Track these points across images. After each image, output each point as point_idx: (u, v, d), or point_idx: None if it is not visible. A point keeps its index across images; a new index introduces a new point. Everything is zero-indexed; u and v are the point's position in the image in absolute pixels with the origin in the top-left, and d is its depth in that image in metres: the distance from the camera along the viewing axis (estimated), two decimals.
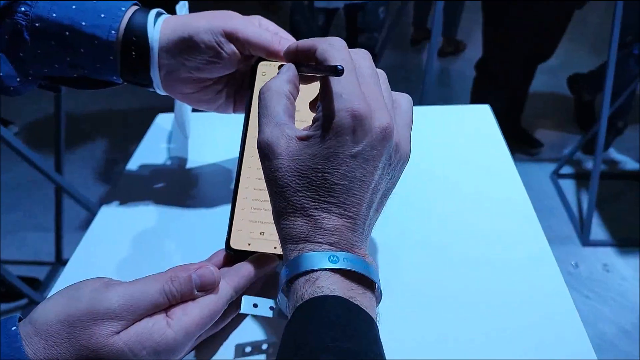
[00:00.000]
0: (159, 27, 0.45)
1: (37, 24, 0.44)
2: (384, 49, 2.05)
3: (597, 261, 1.77)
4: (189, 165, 0.59)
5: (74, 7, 0.44)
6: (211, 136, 0.63)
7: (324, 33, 2.02)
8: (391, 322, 0.39)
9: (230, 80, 0.49)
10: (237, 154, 0.45)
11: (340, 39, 0.35)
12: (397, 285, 0.44)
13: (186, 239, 0.50)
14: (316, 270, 0.30)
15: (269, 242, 0.43)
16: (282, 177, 0.32)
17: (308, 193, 0.32)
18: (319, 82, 0.34)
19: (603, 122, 1.66)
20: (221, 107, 0.50)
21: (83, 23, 0.44)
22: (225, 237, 0.43)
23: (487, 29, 2.03)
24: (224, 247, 0.43)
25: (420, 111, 0.68)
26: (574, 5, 1.91)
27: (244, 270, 0.39)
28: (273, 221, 0.42)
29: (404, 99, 0.37)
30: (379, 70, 0.36)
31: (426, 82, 1.68)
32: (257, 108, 0.35)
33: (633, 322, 1.54)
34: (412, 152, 0.36)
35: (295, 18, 2.01)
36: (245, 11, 0.48)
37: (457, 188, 0.55)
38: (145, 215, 0.52)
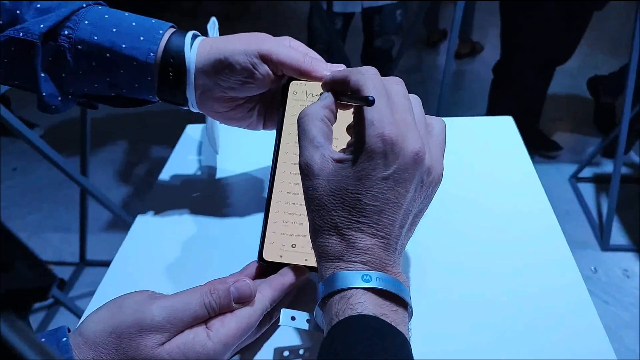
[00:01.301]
0: (196, 49, 0.47)
1: (79, 47, 0.46)
2: (402, 53, 2.05)
3: (616, 266, 1.75)
4: (219, 176, 0.61)
5: (114, 30, 0.46)
6: (241, 150, 0.65)
7: (342, 36, 2.04)
8: (418, 325, 0.41)
9: (261, 99, 0.51)
10: (266, 166, 0.47)
11: (373, 68, 0.37)
12: (423, 291, 0.45)
13: (219, 248, 0.52)
14: (350, 289, 0.32)
15: (300, 255, 0.44)
16: (319, 197, 0.34)
17: (342, 213, 0.34)
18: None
19: (624, 125, 1.65)
20: (252, 124, 0.52)
21: (123, 45, 0.46)
22: (258, 248, 0.45)
23: (505, 32, 2.03)
24: (256, 258, 0.45)
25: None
26: (594, 7, 1.89)
27: (278, 282, 0.41)
28: (304, 234, 0.44)
29: (437, 122, 0.39)
30: (413, 96, 0.38)
31: (444, 86, 1.69)
32: (297, 131, 0.37)
33: None
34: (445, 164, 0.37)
35: (313, 22, 2.02)
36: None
37: (480, 201, 0.56)
38: (179, 225, 0.54)
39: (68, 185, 1.59)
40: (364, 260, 0.33)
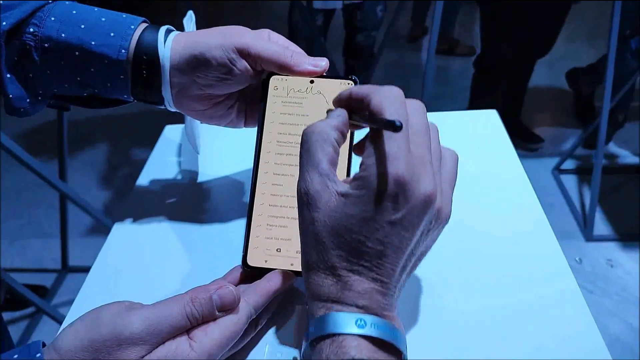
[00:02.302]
0: (170, 45, 0.45)
1: (46, 44, 0.44)
2: (383, 48, 2.05)
3: (600, 256, 1.77)
4: (200, 179, 0.59)
5: (82, 26, 0.44)
6: (222, 149, 0.62)
7: (323, 33, 2.02)
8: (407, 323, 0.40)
9: (241, 96, 0.49)
10: (248, 166, 0.45)
11: (397, 88, 0.33)
12: (408, 283, 0.44)
13: (201, 254, 0.50)
14: (342, 334, 0.30)
15: (286, 259, 0.43)
16: (317, 232, 0.32)
17: (341, 253, 0.31)
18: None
19: (604, 116, 1.66)
20: (232, 122, 0.50)
21: (92, 42, 0.44)
22: (242, 254, 0.43)
23: (484, 25, 2.04)
24: (240, 263, 0.43)
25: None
26: None
27: (263, 288, 0.39)
28: (289, 237, 0.43)
29: (449, 155, 0.36)
30: (432, 125, 0.34)
31: (426, 81, 1.68)
32: (300, 149, 0.34)
33: (637, 316, 1.55)
34: None
35: (293, 19, 2.01)
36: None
37: (467, 194, 0.55)
38: (159, 231, 0.52)
39: (49, 189, 1.55)
40: (360, 304, 0.31)
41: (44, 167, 1.39)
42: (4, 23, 0.42)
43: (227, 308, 0.36)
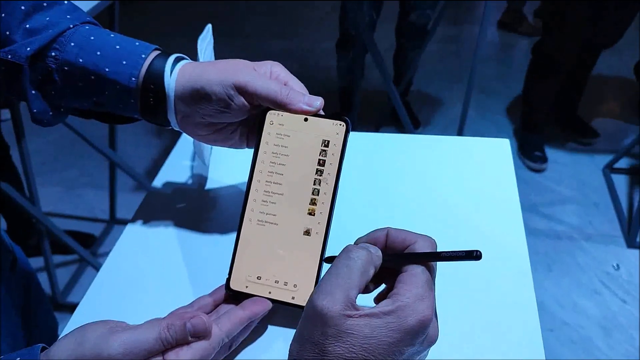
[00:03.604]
0: (175, 76, 0.47)
1: (65, 68, 0.47)
2: (436, 27, 1.98)
3: None
4: (210, 186, 0.63)
5: (98, 53, 0.47)
6: (234, 158, 0.65)
7: (376, 9, 1.97)
8: None
9: (243, 122, 0.51)
10: None
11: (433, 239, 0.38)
12: None
13: (203, 262, 0.54)
14: None
15: (265, 287, 0.46)
16: (327, 345, 0.33)
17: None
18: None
19: None
20: (235, 144, 0.53)
21: (107, 69, 0.47)
22: (227, 276, 0.47)
23: (547, 8, 1.91)
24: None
25: (435, 141, 0.68)
26: None
27: (236, 316, 0.43)
28: (270, 266, 0.46)
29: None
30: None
31: (474, 61, 1.62)
32: (339, 258, 0.36)
33: None
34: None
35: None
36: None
37: (456, 221, 0.57)
38: (167, 238, 0.57)
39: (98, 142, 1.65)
40: None
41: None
42: (28, 49, 0.46)
43: (199, 335, 0.40)
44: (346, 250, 0.37)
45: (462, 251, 0.34)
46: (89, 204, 2.05)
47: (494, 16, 3.14)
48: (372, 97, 2.45)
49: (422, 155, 0.66)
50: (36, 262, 1.77)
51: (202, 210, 0.60)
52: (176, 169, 0.65)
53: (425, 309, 0.33)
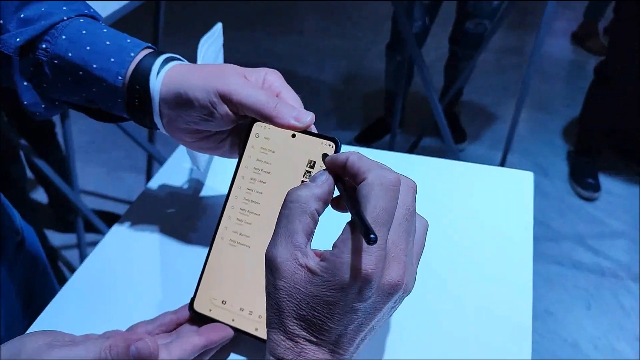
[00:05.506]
0: (162, 77, 0.45)
1: (55, 61, 0.46)
2: (491, 36, 1.88)
3: None
4: (202, 193, 0.60)
5: (87, 48, 0.45)
6: (232, 166, 0.63)
7: (431, 15, 1.90)
8: None
9: (233, 131, 0.48)
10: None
11: (396, 176, 0.32)
12: None
13: (178, 277, 0.51)
14: None
15: (228, 313, 0.43)
16: (280, 299, 0.32)
17: (301, 324, 0.31)
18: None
19: None
20: (225, 153, 0.50)
21: (94, 65, 0.45)
22: (192, 296, 0.44)
23: (615, 28, 1.77)
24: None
25: (455, 166, 0.63)
26: None
27: (189, 343, 0.40)
28: (237, 291, 0.42)
29: (420, 225, 0.35)
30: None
31: (526, 75, 1.52)
32: (280, 209, 0.33)
33: None
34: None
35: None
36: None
37: (462, 251, 0.54)
38: (149, 245, 0.54)
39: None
40: None
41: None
42: (18, 39, 0.45)
43: None
44: (286, 195, 0.34)
45: (368, 226, 0.28)
46: (129, 187, 2.10)
47: (570, 27, 2.97)
48: (421, 104, 2.37)
49: (438, 180, 0.62)
50: (71, 238, 1.84)
51: (190, 218, 0.57)
52: (175, 171, 0.63)
53: (367, 266, 0.29)
